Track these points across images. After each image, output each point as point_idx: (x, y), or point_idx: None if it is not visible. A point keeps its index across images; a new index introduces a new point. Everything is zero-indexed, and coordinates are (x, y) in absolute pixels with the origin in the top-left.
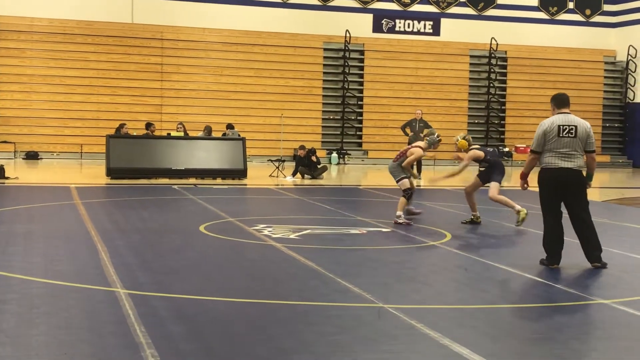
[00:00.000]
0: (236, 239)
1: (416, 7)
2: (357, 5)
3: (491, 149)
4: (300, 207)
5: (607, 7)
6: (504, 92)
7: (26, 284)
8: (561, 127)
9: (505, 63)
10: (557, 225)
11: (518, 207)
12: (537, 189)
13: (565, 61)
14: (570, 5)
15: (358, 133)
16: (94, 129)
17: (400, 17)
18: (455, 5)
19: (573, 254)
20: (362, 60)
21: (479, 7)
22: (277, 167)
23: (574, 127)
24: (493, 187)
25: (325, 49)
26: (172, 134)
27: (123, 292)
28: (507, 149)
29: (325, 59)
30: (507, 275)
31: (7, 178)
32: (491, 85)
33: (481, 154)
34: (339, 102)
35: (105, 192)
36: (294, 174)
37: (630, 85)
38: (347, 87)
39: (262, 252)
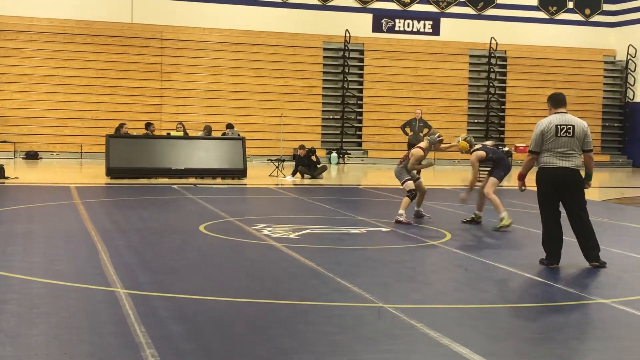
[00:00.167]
0: (236, 239)
1: (416, 7)
2: (356, 5)
3: (492, 145)
4: (300, 207)
5: (606, 7)
6: (504, 92)
7: (26, 284)
8: (559, 126)
9: (505, 63)
10: (555, 224)
11: (504, 214)
12: (534, 189)
13: (565, 61)
14: (570, 4)
15: (358, 133)
16: (94, 129)
17: (400, 16)
18: (455, 5)
19: (572, 253)
20: (361, 60)
21: (478, 7)
22: (277, 167)
23: (571, 127)
24: (489, 183)
25: (325, 49)
26: (171, 134)
27: (123, 292)
28: (506, 149)
29: (325, 59)
30: (507, 274)
31: (7, 178)
32: (491, 84)
33: (483, 153)
34: (339, 101)
35: (105, 191)
36: (293, 174)
37: (630, 84)
38: (346, 86)
39: (262, 252)
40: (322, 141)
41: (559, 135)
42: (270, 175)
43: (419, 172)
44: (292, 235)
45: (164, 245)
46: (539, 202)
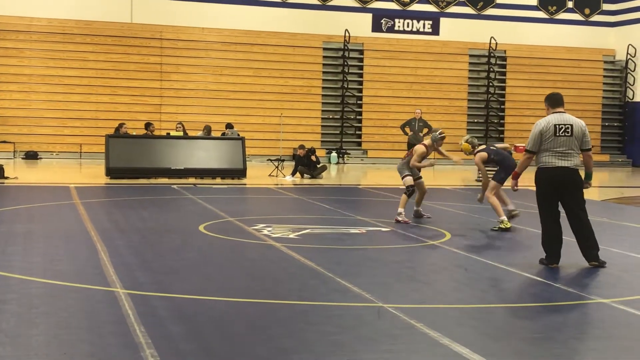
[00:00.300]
0: (236, 239)
1: (415, 7)
2: (356, 4)
3: (502, 148)
4: (300, 207)
5: (606, 7)
6: (503, 92)
7: (26, 284)
8: (557, 126)
9: (504, 62)
10: (555, 224)
11: (503, 217)
12: (533, 188)
13: (565, 60)
14: (570, 4)
15: (357, 132)
16: (94, 129)
17: (400, 16)
18: (455, 5)
19: (572, 253)
20: (361, 60)
21: (478, 7)
22: (277, 167)
23: (569, 126)
24: (490, 187)
25: (324, 49)
26: (171, 134)
27: (122, 292)
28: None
29: (325, 59)
30: (507, 274)
31: (7, 178)
32: (490, 84)
33: (485, 154)
34: (339, 101)
35: (104, 191)
36: (293, 174)
37: (630, 84)
38: (346, 86)
39: (261, 252)
40: (321, 141)
41: (557, 134)
42: (269, 175)
43: (420, 170)
44: (291, 235)
45: (164, 245)
46: (538, 202)
